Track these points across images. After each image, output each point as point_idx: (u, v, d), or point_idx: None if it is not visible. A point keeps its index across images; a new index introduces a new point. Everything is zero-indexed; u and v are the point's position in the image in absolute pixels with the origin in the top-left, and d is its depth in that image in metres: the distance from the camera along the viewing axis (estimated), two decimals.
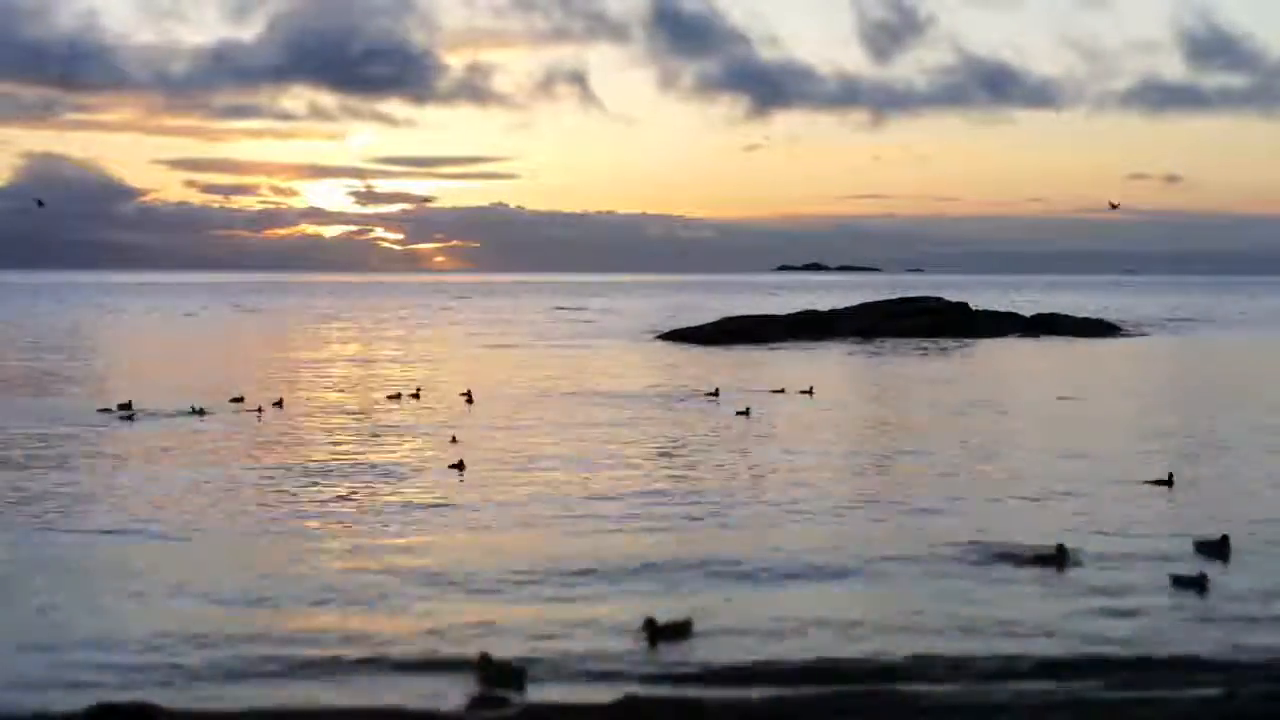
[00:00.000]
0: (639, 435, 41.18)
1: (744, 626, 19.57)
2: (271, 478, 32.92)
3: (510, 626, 19.49)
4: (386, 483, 32.31)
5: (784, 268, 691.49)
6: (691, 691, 16.56)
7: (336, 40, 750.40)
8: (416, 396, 51.09)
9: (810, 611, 20.39)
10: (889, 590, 21.97)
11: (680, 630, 18.81)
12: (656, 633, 18.58)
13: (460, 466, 33.88)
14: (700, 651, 18.31)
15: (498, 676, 16.88)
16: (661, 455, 36.89)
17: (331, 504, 29.56)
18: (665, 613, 19.49)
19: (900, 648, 18.64)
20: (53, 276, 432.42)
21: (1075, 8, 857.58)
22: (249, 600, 20.99)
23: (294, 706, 16.10)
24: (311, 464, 35.28)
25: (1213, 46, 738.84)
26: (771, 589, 21.94)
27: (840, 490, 31.49)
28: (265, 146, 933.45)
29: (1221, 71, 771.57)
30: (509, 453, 37.11)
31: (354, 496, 30.46)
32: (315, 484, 32.04)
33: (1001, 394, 55.01)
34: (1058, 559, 23.69)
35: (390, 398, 51.03)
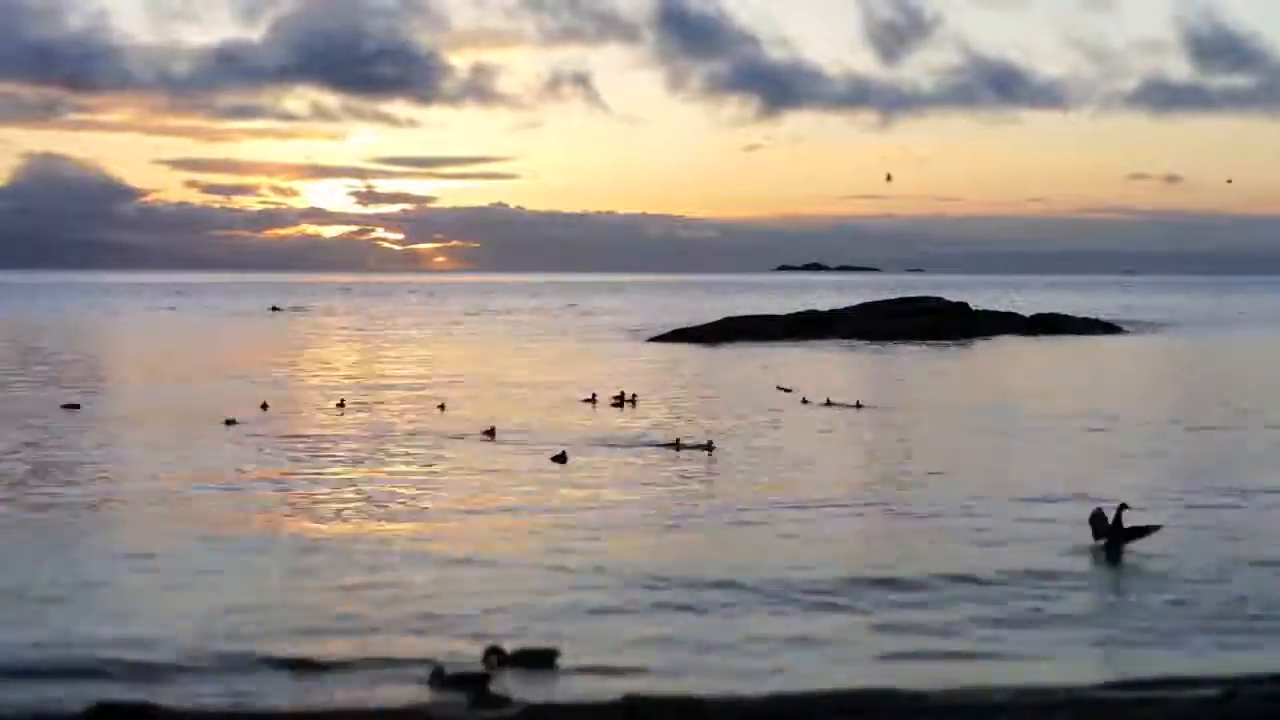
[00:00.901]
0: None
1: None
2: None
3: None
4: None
5: (784, 268, 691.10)
6: (692, 691, 16.57)
7: (339, 41, 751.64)
8: (632, 400, 49.77)
9: None
10: None
11: (541, 658, 17.48)
12: (503, 661, 17.29)
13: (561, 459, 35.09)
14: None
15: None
16: None
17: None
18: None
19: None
20: (55, 277, 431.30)
21: (1081, 8, 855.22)
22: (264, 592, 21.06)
23: (295, 707, 16.11)
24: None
25: (1218, 47, 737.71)
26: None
27: None
28: (267, 147, 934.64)
29: (1227, 72, 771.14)
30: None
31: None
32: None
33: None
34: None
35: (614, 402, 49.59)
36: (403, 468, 34.80)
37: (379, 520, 27.71)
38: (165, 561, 23.63)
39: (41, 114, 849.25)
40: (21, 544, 25.31)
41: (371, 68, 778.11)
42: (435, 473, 33.83)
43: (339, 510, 28.79)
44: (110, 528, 26.89)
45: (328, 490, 31.31)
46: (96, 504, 29.41)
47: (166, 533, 26.22)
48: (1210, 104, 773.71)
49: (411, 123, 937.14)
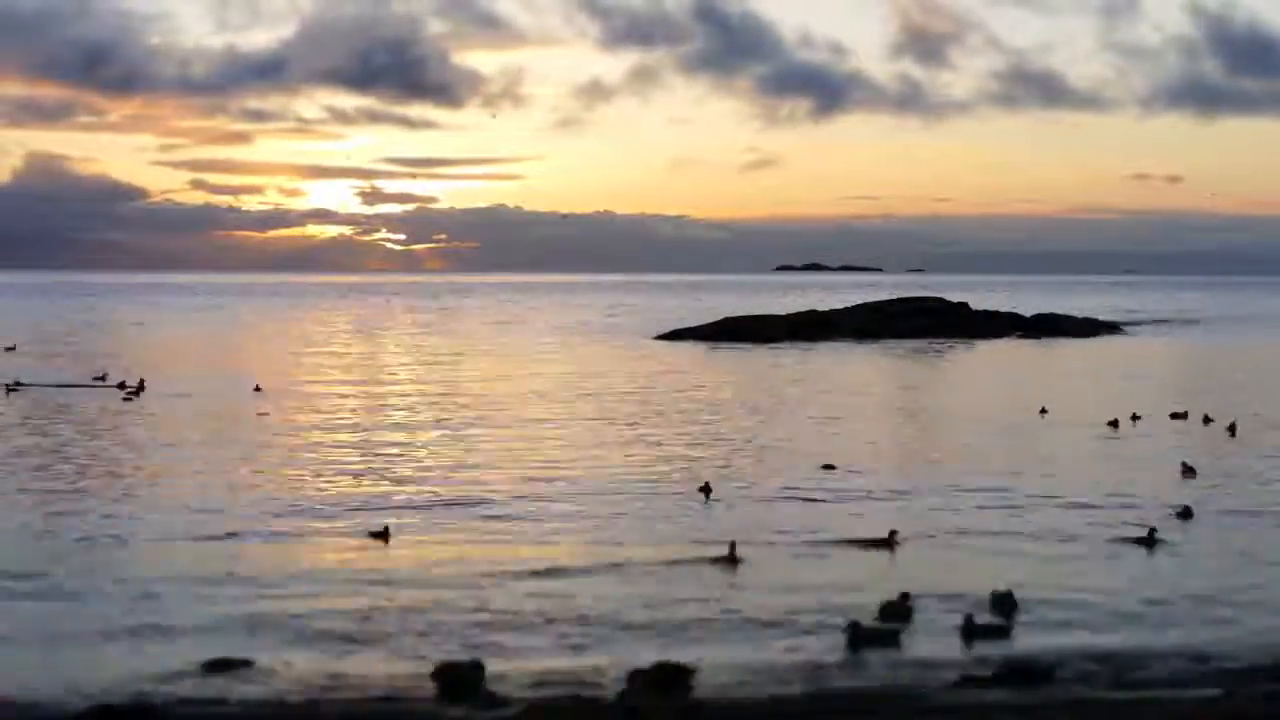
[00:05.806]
0: None
1: None
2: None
3: None
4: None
5: (783, 268, 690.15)
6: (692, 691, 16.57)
7: (345, 44, 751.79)
8: None
9: None
10: None
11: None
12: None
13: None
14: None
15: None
16: None
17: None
18: None
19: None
20: (63, 277, 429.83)
21: (1100, 12, 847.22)
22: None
23: (294, 707, 16.11)
24: None
25: (1241, 49, 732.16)
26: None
27: None
28: (273, 148, 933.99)
29: (1250, 76, 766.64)
30: None
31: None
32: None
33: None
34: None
35: None
36: None
37: None
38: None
39: (53, 115, 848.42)
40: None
41: (374, 70, 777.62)
42: None
43: None
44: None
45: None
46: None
47: None
48: (1219, 105, 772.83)
49: (414, 125, 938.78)
